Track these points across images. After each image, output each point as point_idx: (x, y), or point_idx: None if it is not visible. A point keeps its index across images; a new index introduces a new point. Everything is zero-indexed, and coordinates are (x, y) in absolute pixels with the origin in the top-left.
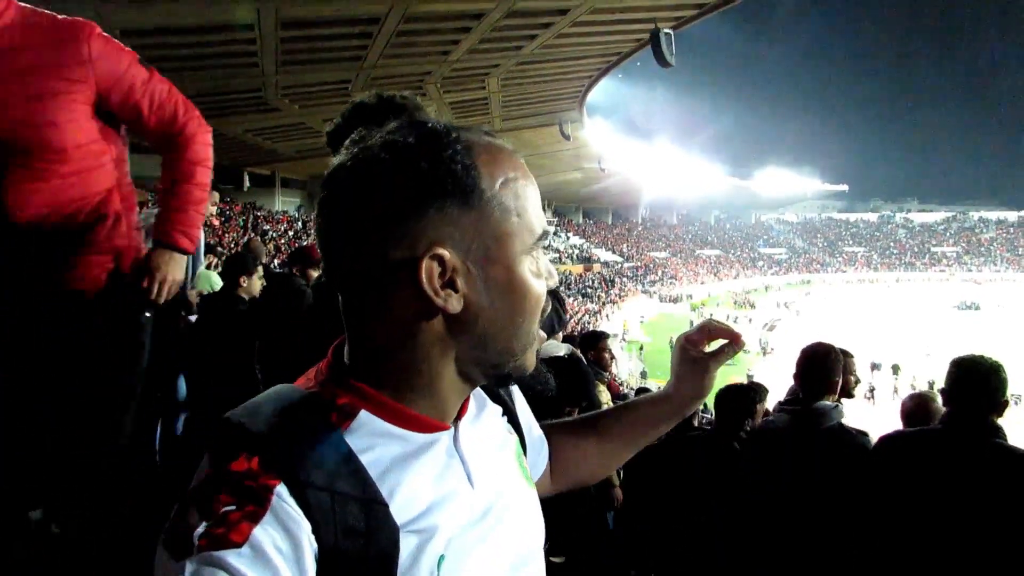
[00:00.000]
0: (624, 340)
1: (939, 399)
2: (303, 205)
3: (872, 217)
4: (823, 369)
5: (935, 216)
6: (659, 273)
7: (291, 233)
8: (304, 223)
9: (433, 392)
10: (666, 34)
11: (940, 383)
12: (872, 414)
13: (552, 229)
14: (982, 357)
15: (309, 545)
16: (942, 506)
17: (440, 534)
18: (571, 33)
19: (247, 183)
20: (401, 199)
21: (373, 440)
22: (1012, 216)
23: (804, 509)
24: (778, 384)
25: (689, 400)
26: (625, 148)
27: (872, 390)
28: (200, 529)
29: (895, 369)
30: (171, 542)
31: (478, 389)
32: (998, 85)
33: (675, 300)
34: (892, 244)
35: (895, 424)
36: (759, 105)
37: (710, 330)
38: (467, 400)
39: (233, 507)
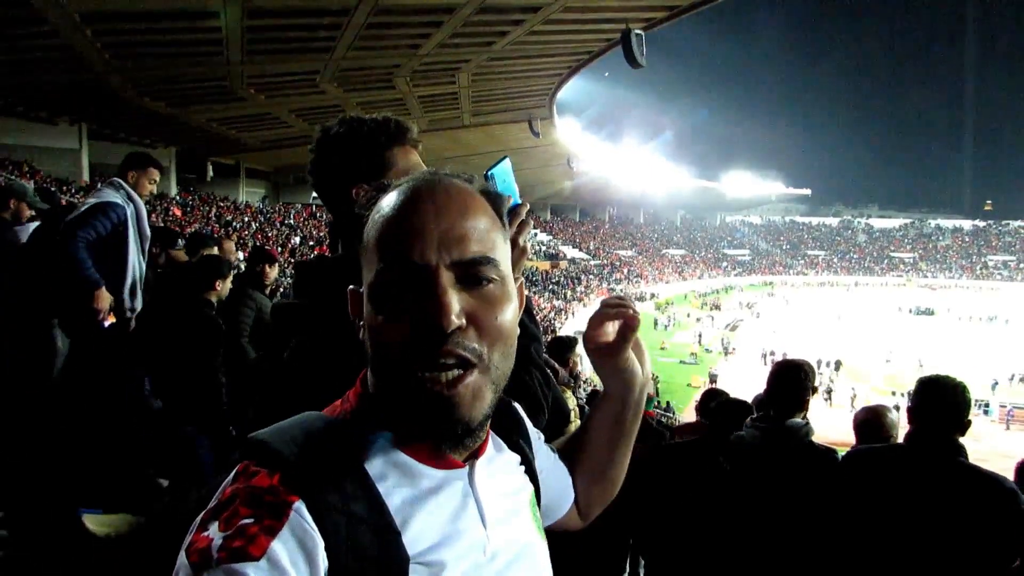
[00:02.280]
0: None
1: (892, 412)
2: (268, 196)
3: (833, 221)
4: (795, 386)
5: (894, 222)
6: (625, 271)
7: (255, 225)
8: (268, 215)
9: None
10: (637, 35)
11: (897, 387)
12: (828, 415)
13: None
14: (947, 377)
15: (322, 562)
16: (905, 522)
17: (448, 570)
18: (543, 31)
19: (211, 173)
20: None
21: (391, 469)
22: (967, 225)
23: (778, 525)
24: (739, 384)
25: (627, 392)
26: (594, 147)
27: (829, 392)
28: (218, 541)
29: (837, 365)
30: (191, 554)
31: (495, 434)
32: (960, 96)
33: (640, 299)
34: (852, 248)
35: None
36: (727, 108)
37: (602, 316)
38: (486, 440)
39: (252, 520)
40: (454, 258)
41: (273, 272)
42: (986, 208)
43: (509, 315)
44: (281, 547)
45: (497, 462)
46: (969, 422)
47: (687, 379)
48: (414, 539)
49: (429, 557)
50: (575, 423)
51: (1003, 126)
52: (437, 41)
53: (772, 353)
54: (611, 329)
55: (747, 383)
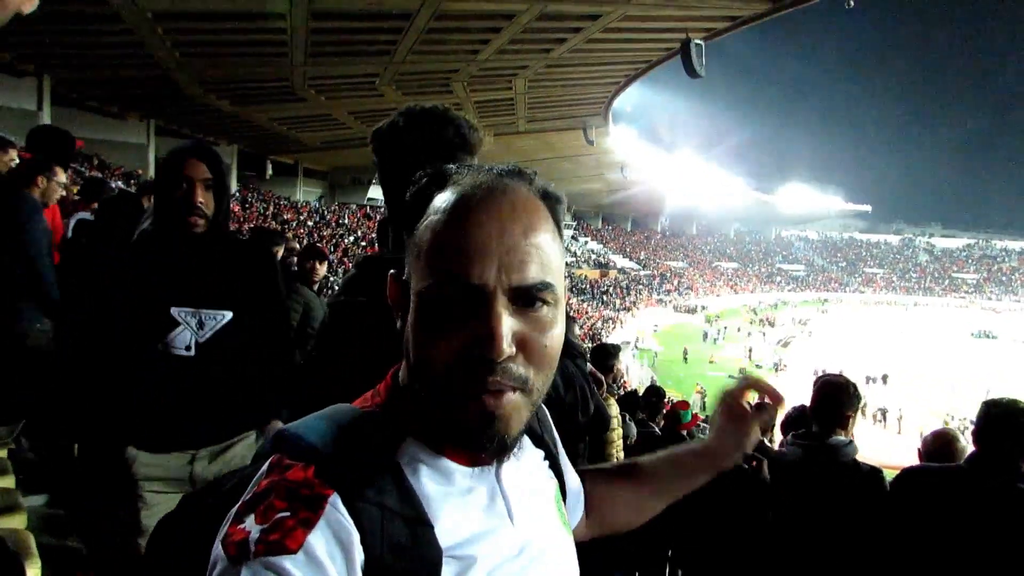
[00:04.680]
0: (636, 348)
1: (961, 438)
2: (324, 195)
3: (894, 239)
4: (838, 403)
5: (957, 242)
6: (675, 283)
7: (310, 223)
8: (323, 214)
9: None
10: (696, 45)
11: (956, 414)
12: (880, 436)
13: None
14: (1014, 400)
15: (358, 554)
16: (959, 545)
17: (479, 565)
18: (601, 39)
19: (270, 171)
20: None
21: (421, 465)
22: None
23: (818, 543)
24: (788, 401)
25: (728, 455)
26: (648, 156)
27: (884, 412)
28: (255, 534)
29: (884, 379)
30: (228, 546)
31: None
32: None
33: (691, 311)
34: (912, 267)
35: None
36: (785, 120)
37: (753, 386)
38: None
39: (288, 514)
40: (513, 283)
41: (322, 269)
42: None
43: (557, 339)
44: (318, 540)
45: (523, 459)
46: None
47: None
48: (446, 534)
49: (460, 552)
50: (617, 431)
51: None
52: (496, 47)
53: (824, 371)
54: (753, 399)
55: (797, 401)
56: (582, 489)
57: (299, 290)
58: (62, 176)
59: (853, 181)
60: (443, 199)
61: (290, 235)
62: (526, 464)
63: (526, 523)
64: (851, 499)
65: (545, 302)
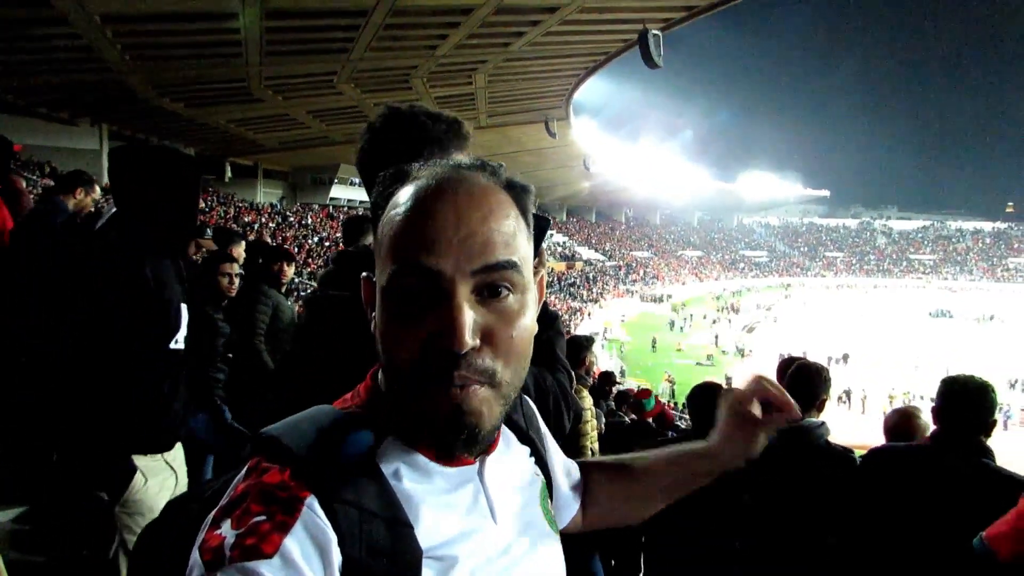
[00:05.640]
0: (605, 339)
1: (923, 415)
2: (285, 196)
3: (852, 223)
4: (811, 387)
5: (914, 224)
6: (641, 272)
7: (272, 225)
8: (285, 215)
9: None
10: (654, 35)
11: (916, 393)
12: (845, 416)
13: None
14: (972, 377)
15: (336, 557)
16: (927, 522)
17: (461, 565)
18: (560, 31)
19: (229, 174)
20: None
21: (402, 465)
22: (987, 227)
23: (792, 526)
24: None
25: (732, 461)
26: (611, 148)
27: (848, 393)
28: (231, 539)
29: (844, 358)
30: (204, 552)
31: (506, 428)
32: (980, 97)
33: (657, 300)
34: (871, 250)
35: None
36: (745, 109)
37: (762, 392)
38: (497, 436)
39: (264, 518)
40: (475, 266)
41: (290, 271)
42: (1008, 210)
43: (526, 329)
44: (294, 544)
45: (507, 457)
46: (994, 423)
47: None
48: (426, 534)
49: (441, 552)
50: (591, 423)
51: None
52: (454, 42)
53: (790, 355)
54: (763, 406)
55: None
56: (581, 482)
57: (267, 292)
58: None
59: (811, 167)
60: (402, 193)
61: (252, 237)
62: (511, 462)
63: (510, 522)
64: (824, 480)
65: (510, 289)
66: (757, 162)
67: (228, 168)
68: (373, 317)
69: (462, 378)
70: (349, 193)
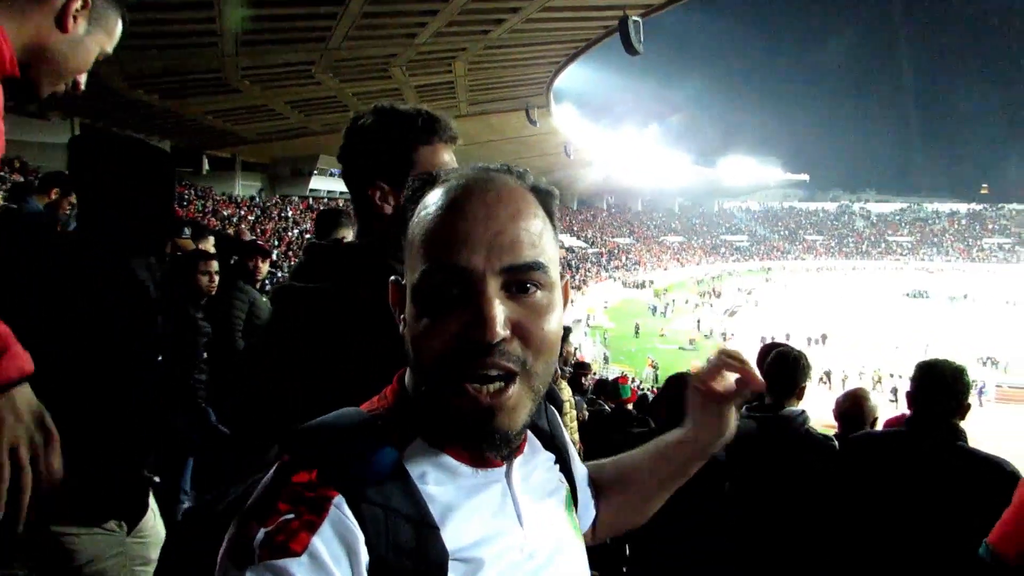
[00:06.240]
0: (588, 326)
1: (872, 398)
2: (264, 189)
3: (831, 206)
4: (792, 374)
5: (891, 207)
6: (623, 259)
7: (251, 218)
8: (264, 208)
9: None
10: (634, 21)
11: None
12: (825, 397)
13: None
14: (946, 361)
15: (363, 556)
16: (907, 507)
17: (487, 568)
18: (539, 18)
19: (206, 167)
20: None
21: (429, 468)
22: (963, 208)
23: (776, 515)
24: None
25: (710, 443)
26: (592, 135)
27: (828, 374)
28: (260, 538)
29: (823, 339)
30: (232, 551)
31: (531, 434)
32: (955, 82)
33: (639, 286)
34: (850, 233)
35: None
36: (724, 94)
37: (721, 364)
38: (523, 440)
39: (292, 516)
40: (504, 264)
41: (265, 267)
42: (982, 192)
43: (555, 323)
44: (322, 542)
45: (534, 462)
46: (968, 406)
47: (686, 366)
48: (453, 536)
49: (467, 554)
50: (570, 414)
51: (998, 110)
52: (433, 30)
53: (773, 339)
54: (729, 380)
55: None
56: (592, 496)
57: (243, 288)
58: None
59: (791, 152)
60: (432, 195)
61: (231, 231)
62: (537, 467)
63: (536, 526)
64: (805, 468)
65: (538, 286)
66: (737, 147)
67: (205, 161)
68: (402, 319)
69: (493, 366)
70: (329, 184)
